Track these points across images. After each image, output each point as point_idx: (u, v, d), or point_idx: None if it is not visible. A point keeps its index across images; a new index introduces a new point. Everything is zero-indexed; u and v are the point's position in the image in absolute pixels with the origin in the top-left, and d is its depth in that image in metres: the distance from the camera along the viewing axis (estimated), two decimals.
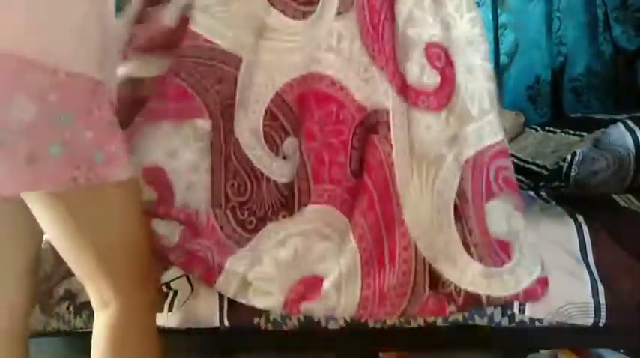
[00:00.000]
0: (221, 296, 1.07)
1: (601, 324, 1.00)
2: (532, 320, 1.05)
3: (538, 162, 1.42)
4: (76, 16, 0.81)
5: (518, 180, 1.45)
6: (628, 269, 1.01)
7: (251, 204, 1.01)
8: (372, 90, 1.01)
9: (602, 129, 1.30)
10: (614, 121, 1.31)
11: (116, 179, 0.83)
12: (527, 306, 1.01)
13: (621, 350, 1.26)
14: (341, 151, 1.01)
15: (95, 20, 0.85)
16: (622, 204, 1.14)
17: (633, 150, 1.21)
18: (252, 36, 1.02)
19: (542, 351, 1.32)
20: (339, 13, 1.01)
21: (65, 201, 0.81)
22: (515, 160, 1.53)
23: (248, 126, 1.02)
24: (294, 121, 1.03)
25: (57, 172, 0.77)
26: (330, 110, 1.01)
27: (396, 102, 0.99)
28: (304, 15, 1.01)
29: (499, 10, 1.93)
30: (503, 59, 1.96)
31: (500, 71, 1.97)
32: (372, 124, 1.00)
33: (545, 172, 1.36)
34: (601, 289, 1.00)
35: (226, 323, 1.08)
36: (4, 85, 0.74)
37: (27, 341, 0.99)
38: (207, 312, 1.08)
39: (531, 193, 1.32)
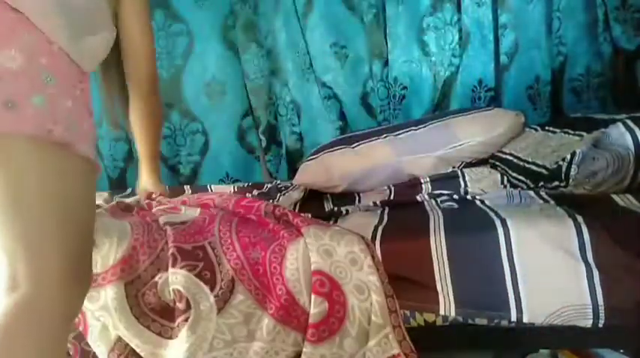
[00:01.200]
0: None
1: (600, 325, 1.00)
2: None
3: (538, 161, 1.42)
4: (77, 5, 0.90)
5: (518, 179, 1.46)
6: (628, 270, 1.00)
7: None
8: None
9: (602, 129, 1.30)
10: (614, 121, 1.30)
11: (82, 152, 0.87)
12: (525, 312, 1.01)
13: (621, 351, 1.26)
14: None
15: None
16: (621, 203, 1.14)
17: (633, 150, 1.21)
18: None
19: (541, 351, 1.32)
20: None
21: (27, 152, 0.80)
22: (514, 160, 1.54)
23: None
24: None
25: (35, 119, 0.80)
26: None
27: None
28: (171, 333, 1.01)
29: (499, 10, 1.93)
30: (503, 59, 1.96)
31: (500, 71, 1.97)
32: None
33: (545, 172, 1.36)
34: (600, 290, 0.99)
35: None
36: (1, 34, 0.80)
37: None
38: None
39: (531, 193, 1.32)
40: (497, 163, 1.62)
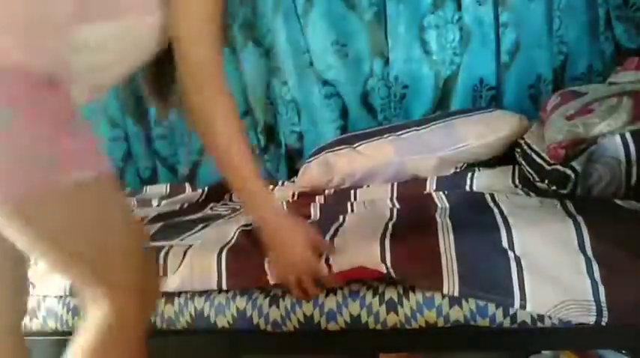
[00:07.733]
0: (219, 261, 1.13)
1: (603, 323, 0.99)
2: (534, 320, 1.05)
3: (543, 155, 1.40)
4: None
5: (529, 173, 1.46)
6: (628, 269, 1.00)
7: None
8: None
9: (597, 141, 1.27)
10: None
11: (74, 180, 0.75)
12: (529, 301, 1.01)
13: (623, 351, 1.26)
14: None
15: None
16: (621, 203, 1.14)
17: (623, 158, 1.18)
18: None
19: (544, 352, 1.32)
20: None
21: (18, 212, 0.73)
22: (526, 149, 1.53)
23: None
24: None
25: None
26: None
27: None
28: None
29: (500, 9, 1.91)
30: (504, 58, 1.94)
31: (501, 70, 1.96)
32: None
33: (547, 167, 1.33)
34: (601, 289, 0.99)
35: (224, 286, 1.12)
36: None
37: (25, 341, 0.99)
38: (205, 275, 1.14)
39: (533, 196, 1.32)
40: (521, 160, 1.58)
